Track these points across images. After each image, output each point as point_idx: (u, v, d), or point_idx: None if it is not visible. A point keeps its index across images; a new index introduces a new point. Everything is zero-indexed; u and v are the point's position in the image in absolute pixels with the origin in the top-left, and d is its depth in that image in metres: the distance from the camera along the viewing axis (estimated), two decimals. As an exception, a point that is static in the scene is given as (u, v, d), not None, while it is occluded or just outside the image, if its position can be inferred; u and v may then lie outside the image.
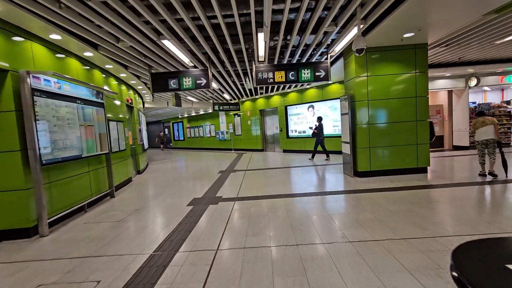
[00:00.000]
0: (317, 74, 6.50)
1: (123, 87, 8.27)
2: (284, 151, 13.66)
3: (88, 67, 5.83)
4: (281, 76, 6.51)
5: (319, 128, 9.61)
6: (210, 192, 5.91)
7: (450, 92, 10.76)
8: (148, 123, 28.80)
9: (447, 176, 6.08)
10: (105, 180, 6.01)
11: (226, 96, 13.51)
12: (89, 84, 5.25)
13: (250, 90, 12.37)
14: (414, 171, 6.36)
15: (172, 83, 6.52)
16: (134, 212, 4.76)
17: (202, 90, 11.45)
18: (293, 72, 6.49)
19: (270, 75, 6.49)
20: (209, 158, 14.00)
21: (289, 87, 12.21)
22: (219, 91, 11.94)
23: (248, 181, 6.86)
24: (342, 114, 7.00)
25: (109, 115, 6.58)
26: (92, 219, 4.53)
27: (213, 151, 17.96)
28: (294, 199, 4.92)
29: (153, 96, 12.28)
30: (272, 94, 13.84)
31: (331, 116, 11.36)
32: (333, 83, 11.13)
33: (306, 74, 6.48)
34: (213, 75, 8.50)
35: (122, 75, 7.33)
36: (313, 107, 12.14)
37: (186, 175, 8.84)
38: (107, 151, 5.91)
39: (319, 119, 9.79)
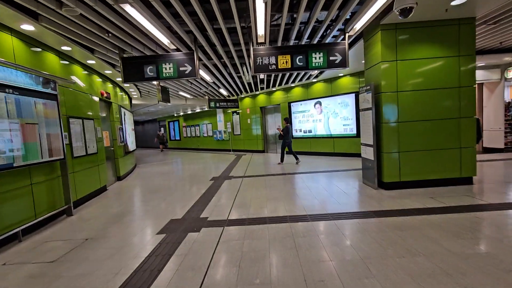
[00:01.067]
0: (331, 58, 5.13)
1: (98, 79, 6.94)
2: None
3: (39, 49, 4.50)
4: (286, 62, 5.15)
5: (286, 130, 9.05)
6: (194, 210, 4.57)
7: (480, 86, 9.34)
8: (143, 122, 27.54)
9: (503, 190, 4.68)
10: (61, 193, 4.70)
11: (223, 91, 12.14)
12: (22, 67, 3.90)
13: (249, 84, 11.00)
14: (456, 182, 4.99)
15: (149, 71, 5.18)
16: (82, 243, 3.42)
17: (194, 84, 10.13)
18: (301, 57, 5.13)
19: (272, 60, 5.13)
20: (204, 160, 12.65)
21: (293, 81, 10.84)
22: (214, 85, 10.57)
23: (244, 193, 5.51)
24: (361, 110, 5.62)
25: (77, 110, 5.26)
26: (18, 256, 3.19)
27: (210, 152, 16.62)
28: (305, 225, 3.56)
29: (139, 92, 10.93)
30: (274, 89, 12.47)
31: (341, 114, 10.01)
32: (343, 75, 9.76)
33: (317, 59, 5.12)
34: (204, 64, 7.13)
35: (90, 61, 5.98)
36: (320, 103, 10.75)
37: (173, 182, 7.49)
38: (62, 157, 4.59)
39: (286, 120, 9.43)
